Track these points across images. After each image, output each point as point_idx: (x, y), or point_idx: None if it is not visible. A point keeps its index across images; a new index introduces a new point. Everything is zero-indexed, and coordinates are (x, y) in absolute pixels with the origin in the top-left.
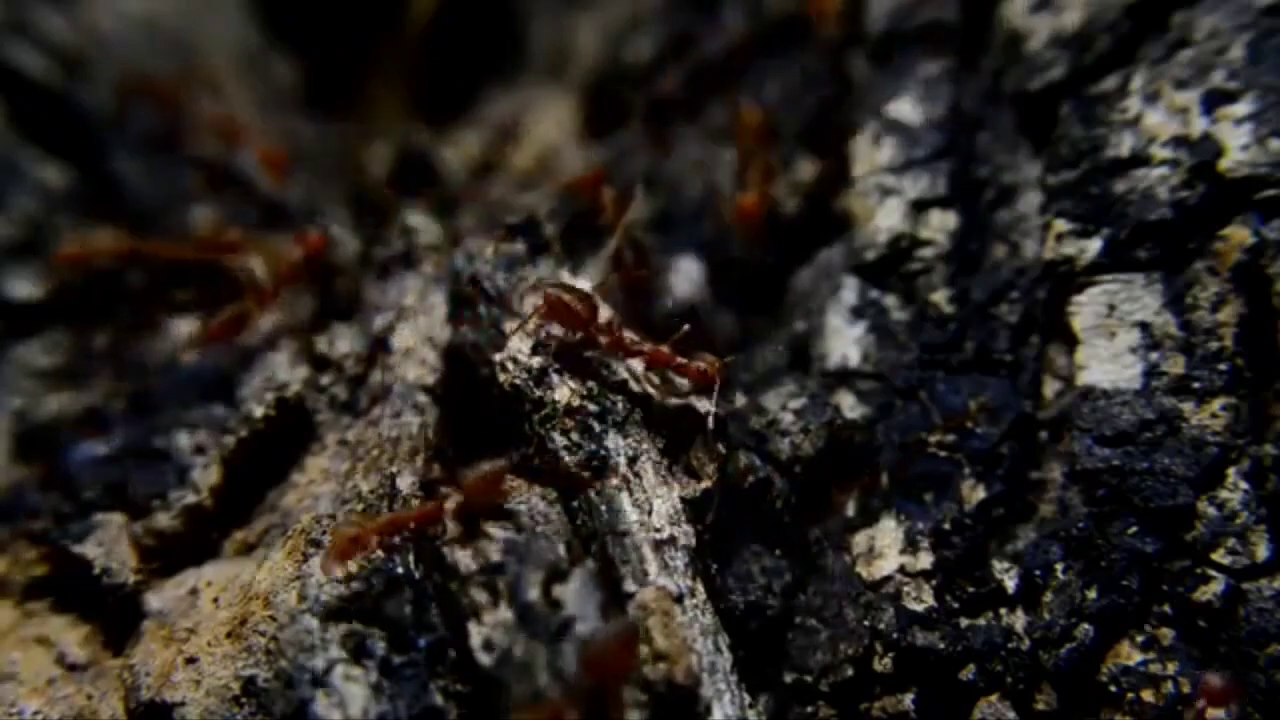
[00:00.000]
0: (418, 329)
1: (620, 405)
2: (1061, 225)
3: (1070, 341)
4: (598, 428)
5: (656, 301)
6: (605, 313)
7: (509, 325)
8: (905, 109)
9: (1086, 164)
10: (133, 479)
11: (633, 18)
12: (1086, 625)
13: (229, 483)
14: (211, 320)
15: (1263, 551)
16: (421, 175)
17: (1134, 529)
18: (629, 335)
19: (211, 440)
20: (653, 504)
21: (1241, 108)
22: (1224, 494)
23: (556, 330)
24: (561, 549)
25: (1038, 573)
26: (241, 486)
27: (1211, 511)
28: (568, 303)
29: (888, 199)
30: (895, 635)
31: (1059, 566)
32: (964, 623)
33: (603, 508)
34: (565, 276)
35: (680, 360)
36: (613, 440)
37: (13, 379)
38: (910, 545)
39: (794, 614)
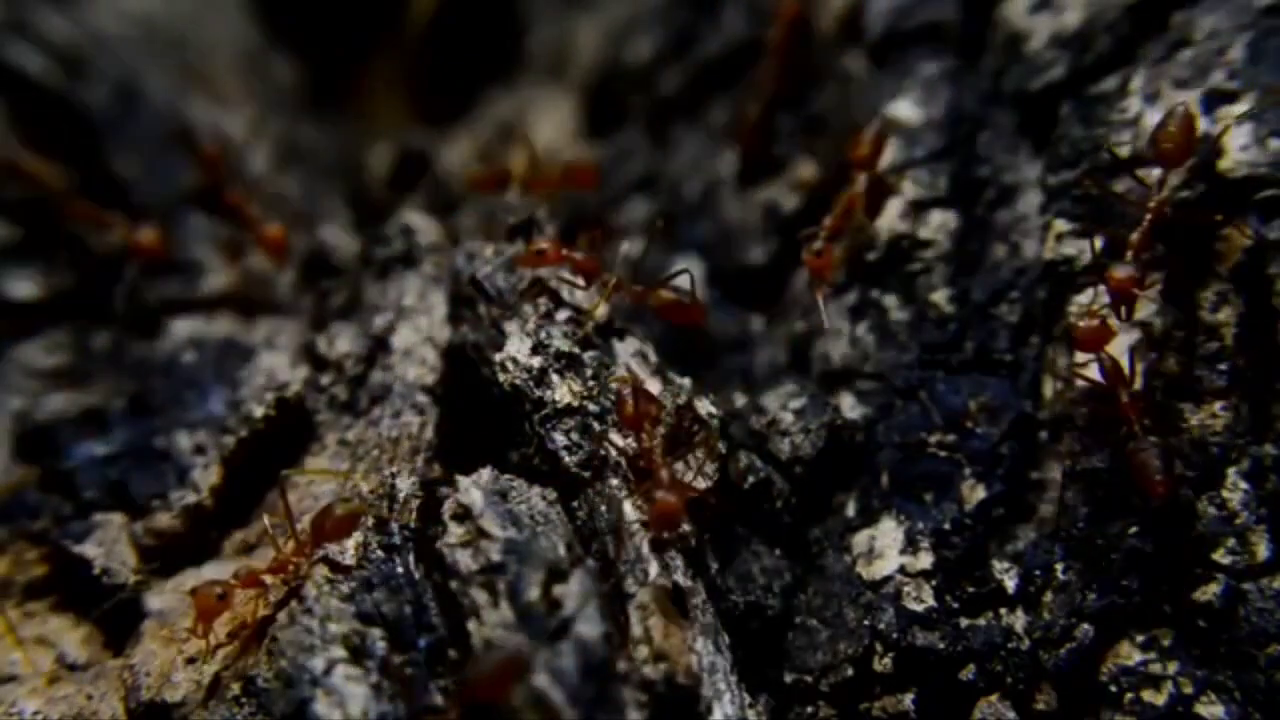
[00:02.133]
0: (418, 329)
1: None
2: (1061, 225)
3: (1070, 341)
4: (598, 428)
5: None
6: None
7: (510, 325)
8: (905, 109)
9: (1086, 164)
10: (133, 479)
11: (633, 18)
12: (1086, 625)
13: (229, 483)
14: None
15: (1263, 551)
16: (421, 175)
17: (1134, 529)
18: (655, 451)
19: (211, 440)
20: None
21: (1241, 108)
22: (1224, 494)
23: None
24: (561, 549)
25: (1038, 573)
26: (241, 486)
27: (1211, 511)
28: (630, 403)
29: (887, 199)
30: (895, 635)
31: (1059, 566)
32: (964, 623)
33: (603, 508)
34: (566, 277)
35: (662, 479)
36: (613, 440)
37: (13, 379)
38: (910, 545)
39: (794, 614)
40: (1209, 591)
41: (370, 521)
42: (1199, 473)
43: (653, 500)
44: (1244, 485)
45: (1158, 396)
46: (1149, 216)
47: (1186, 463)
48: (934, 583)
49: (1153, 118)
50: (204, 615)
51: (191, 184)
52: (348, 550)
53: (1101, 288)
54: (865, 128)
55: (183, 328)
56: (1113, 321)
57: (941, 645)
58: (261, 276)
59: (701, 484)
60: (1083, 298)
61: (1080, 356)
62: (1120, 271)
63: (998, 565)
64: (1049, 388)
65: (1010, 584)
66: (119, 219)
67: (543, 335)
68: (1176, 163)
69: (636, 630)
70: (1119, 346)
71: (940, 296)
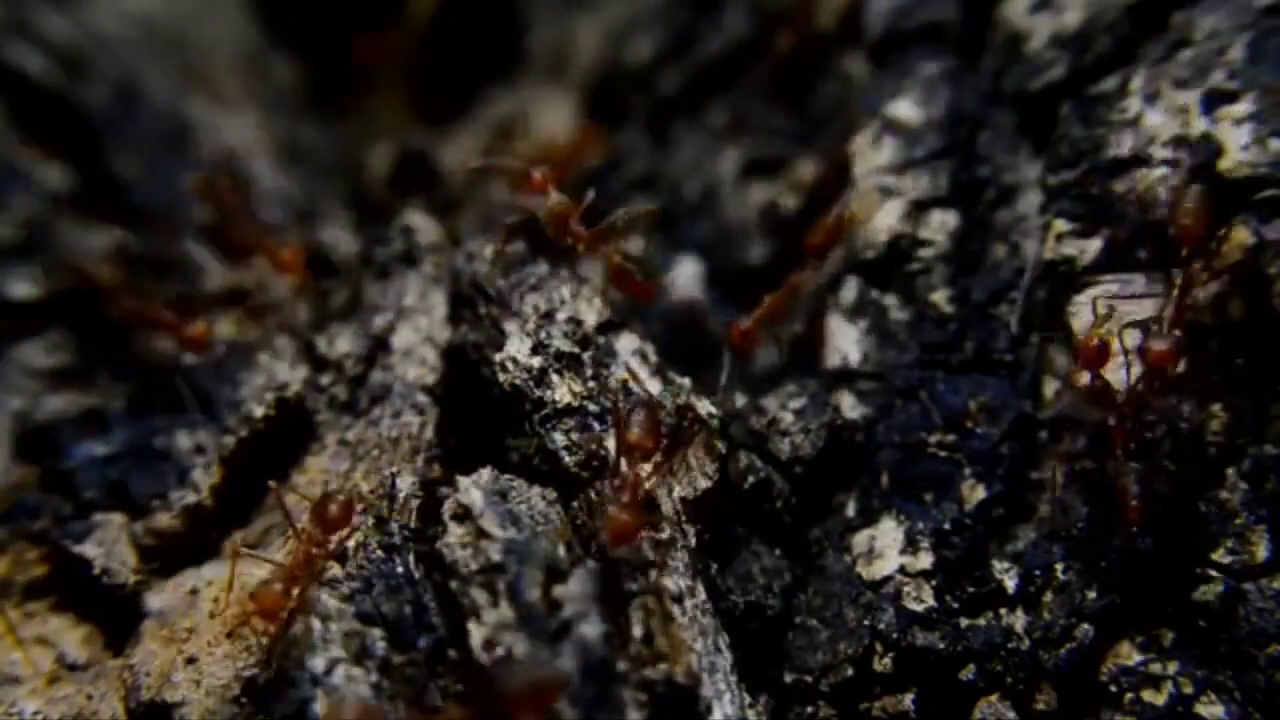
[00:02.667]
0: (418, 329)
1: (620, 405)
2: (1061, 225)
3: (1070, 341)
4: (598, 428)
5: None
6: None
7: (510, 325)
8: (905, 109)
9: (1086, 164)
10: (133, 479)
11: (633, 18)
12: (1086, 625)
13: (229, 483)
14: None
15: (1262, 551)
16: (421, 175)
17: (1134, 529)
18: (633, 474)
19: (211, 440)
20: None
21: (1241, 108)
22: (1224, 494)
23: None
24: (561, 549)
25: (1038, 573)
26: (241, 486)
27: (1211, 511)
28: (635, 425)
29: (888, 199)
30: (895, 635)
31: (1059, 566)
32: (964, 623)
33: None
34: (566, 276)
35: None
36: (613, 440)
37: (13, 379)
38: (910, 545)
39: (794, 614)
40: (1209, 591)
41: (370, 521)
42: (1199, 474)
43: (608, 515)
44: (1244, 485)
45: (1147, 412)
46: (1177, 293)
47: (1168, 488)
48: (934, 583)
49: (1153, 118)
50: (268, 614)
51: (205, 221)
52: (348, 550)
53: (1129, 334)
54: (824, 215)
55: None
56: (1114, 342)
57: (941, 645)
58: (261, 281)
59: (701, 484)
60: (1083, 297)
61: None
62: (1158, 345)
63: (998, 565)
64: (1049, 388)
65: (1010, 584)
66: (168, 314)
67: (543, 335)
68: (1196, 241)
69: (636, 630)
70: (1119, 348)
71: (940, 296)
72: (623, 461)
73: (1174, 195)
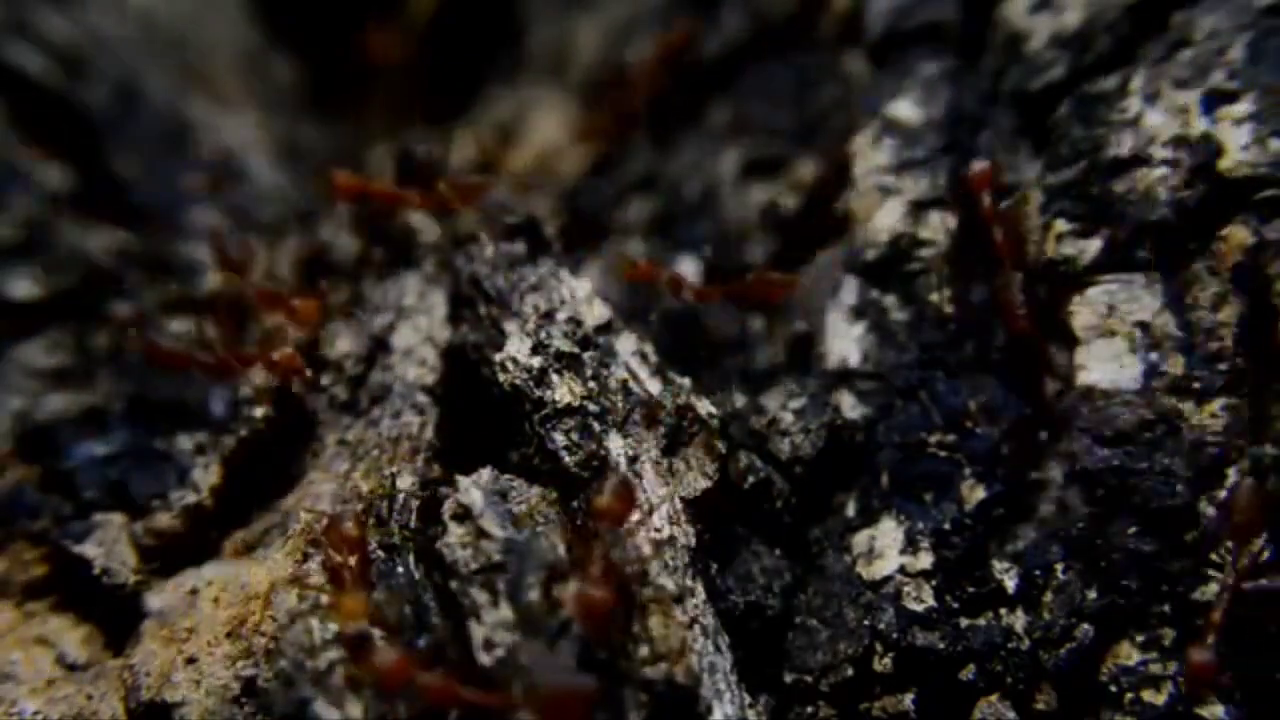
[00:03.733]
0: (418, 329)
1: (620, 405)
2: (1061, 225)
3: (1070, 341)
4: (598, 428)
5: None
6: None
7: (510, 325)
8: (905, 109)
9: (1086, 164)
10: (133, 479)
11: (633, 18)
12: (1086, 625)
13: (229, 483)
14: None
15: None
16: (421, 175)
17: (1134, 529)
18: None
19: (211, 440)
20: (653, 504)
21: (1241, 108)
22: (1224, 494)
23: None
24: (561, 549)
25: (1038, 573)
26: (241, 486)
27: (1211, 511)
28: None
29: (888, 199)
30: (895, 635)
31: (1059, 566)
32: (964, 623)
33: None
34: (566, 277)
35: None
36: (613, 440)
37: (13, 379)
38: (910, 545)
39: (794, 614)
40: (1209, 591)
41: (370, 521)
42: (1199, 473)
43: (579, 593)
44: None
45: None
46: (1227, 596)
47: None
48: (934, 583)
49: (1153, 118)
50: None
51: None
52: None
53: None
54: (765, 270)
55: (181, 328)
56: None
57: (941, 645)
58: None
59: (701, 484)
60: (1089, 294)
61: None
62: (1199, 656)
63: (998, 565)
64: (1049, 388)
65: (1010, 584)
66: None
67: (543, 335)
68: (1248, 538)
69: (636, 630)
70: (1120, 345)
71: (940, 296)
72: (596, 527)
73: (1231, 495)
